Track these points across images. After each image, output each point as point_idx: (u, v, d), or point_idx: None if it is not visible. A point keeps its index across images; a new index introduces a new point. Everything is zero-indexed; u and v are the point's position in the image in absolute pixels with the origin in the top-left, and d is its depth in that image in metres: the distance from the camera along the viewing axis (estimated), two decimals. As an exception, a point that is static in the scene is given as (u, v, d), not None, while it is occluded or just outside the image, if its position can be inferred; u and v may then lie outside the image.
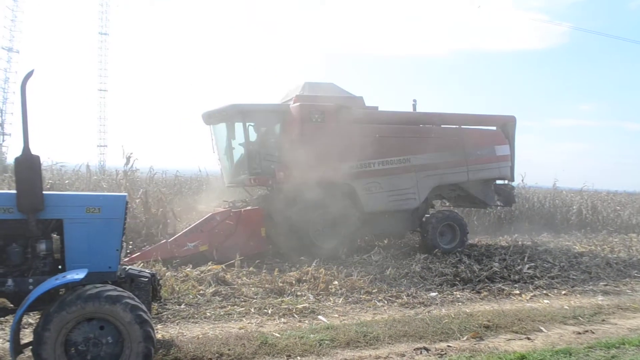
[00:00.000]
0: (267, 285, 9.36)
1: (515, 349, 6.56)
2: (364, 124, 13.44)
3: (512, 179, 16.25)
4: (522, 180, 23.59)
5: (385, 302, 9.03)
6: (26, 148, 5.09)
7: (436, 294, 9.65)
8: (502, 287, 10.29)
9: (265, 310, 8.13)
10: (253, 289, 9.26)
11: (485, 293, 9.89)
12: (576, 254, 14.44)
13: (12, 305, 5.49)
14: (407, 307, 8.78)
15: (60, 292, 5.12)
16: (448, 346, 6.65)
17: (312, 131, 12.82)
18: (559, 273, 11.67)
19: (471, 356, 6.27)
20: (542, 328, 7.55)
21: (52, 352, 4.59)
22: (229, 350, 6.15)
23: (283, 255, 12.39)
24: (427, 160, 14.22)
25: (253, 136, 13.28)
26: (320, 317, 7.98)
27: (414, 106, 15.26)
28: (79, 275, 4.75)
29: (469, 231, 15.09)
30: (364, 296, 9.24)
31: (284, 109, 13.44)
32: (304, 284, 9.70)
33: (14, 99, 45.99)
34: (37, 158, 5.17)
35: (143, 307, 4.90)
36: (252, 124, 13.19)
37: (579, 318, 8.18)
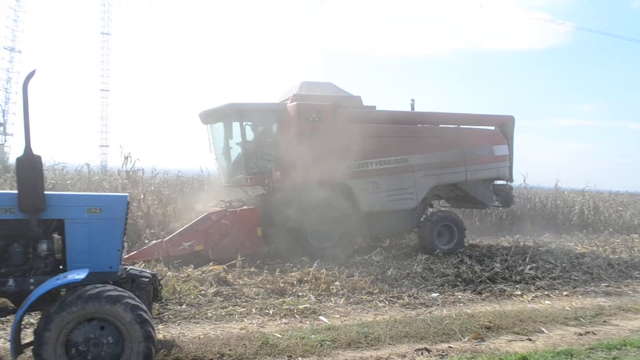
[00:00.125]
0: (268, 286, 9.36)
1: (517, 350, 6.55)
2: (361, 124, 13.36)
3: (511, 179, 16.17)
4: (524, 181, 23.57)
5: (387, 302, 9.03)
6: (28, 148, 5.10)
7: (437, 294, 9.64)
8: (504, 287, 10.28)
9: (267, 311, 8.13)
10: (254, 289, 9.25)
11: (486, 294, 9.87)
12: (578, 254, 14.40)
13: (13, 305, 5.50)
14: (408, 308, 8.77)
15: (62, 292, 5.13)
16: (449, 347, 6.64)
17: (308, 130, 12.77)
18: (561, 274, 11.65)
19: (472, 357, 6.27)
20: (543, 329, 7.54)
21: (52, 352, 4.59)
22: (230, 350, 6.15)
23: (280, 255, 12.38)
24: (425, 160, 14.16)
25: (250, 135, 13.25)
26: (321, 317, 7.97)
27: (412, 105, 15.22)
28: (80, 275, 4.75)
29: (466, 232, 15.04)
30: (365, 297, 9.24)
31: (281, 108, 13.41)
32: (305, 284, 9.70)
33: (16, 99, 46.03)
34: (39, 158, 5.18)
35: (143, 306, 4.90)
36: (250, 123, 13.17)
37: (581, 319, 8.17)
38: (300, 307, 8.33)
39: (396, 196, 13.81)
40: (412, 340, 6.83)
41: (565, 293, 10.19)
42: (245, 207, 12.93)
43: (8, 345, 5.08)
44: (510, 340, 7.01)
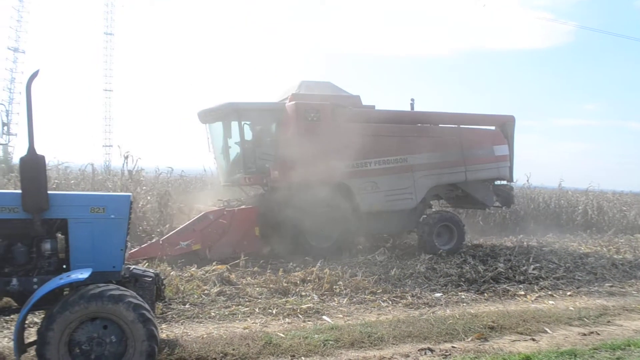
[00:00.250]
0: (271, 286, 9.36)
1: (520, 350, 6.54)
2: (360, 123, 13.30)
3: (511, 180, 16.07)
4: (528, 181, 23.53)
5: (390, 302, 9.02)
6: (31, 148, 5.11)
7: (441, 294, 9.63)
8: (507, 287, 10.26)
9: (270, 310, 8.13)
10: (257, 289, 9.26)
11: (490, 294, 9.86)
12: (582, 254, 14.37)
13: (16, 304, 5.51)
14: (411, 308, 8.76)
15: (65, 292, 5.14)
16: (452, 347, 6.63)
17: (307, 130, 12.73)
18: (564, 274, 11.62)
19: (476, 357, 6.26)
20: (547, 329, 7.53)
21: (56, 352, 4.60)
22: (234, 350, 6.15)
23: (279, 255, 12.36)
24: (425, 160, 14.10)
25: (249, 135, 13.23)
26: (324, 317, 7.97)
27: (412, 105, 15.17)
28: (83, 274, 4.76)
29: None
30: (368, 296, 9.23)
31: (279, 108, 13.38)
32: (309, 284, 9.69)
33: (19, 99, 46.13)
34: (42, 158, 5.19)
35: (146, 305, 4.91)
36: (248, 122, 13.16)
37: (584, 319, 8.15)
38: (304, 306, 8.33)
39: (395, 196, 13.76)
40: (416, 340, 6.83)
41: (569, 293, 10.17)
42: (243, 206, 12.90)
43: (12, 344, 5.09)
44: (514, 340, 7.00)
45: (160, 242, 11.36)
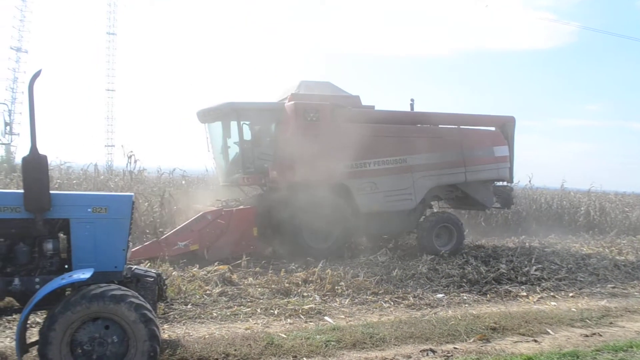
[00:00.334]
0: (273, 286, 9.35)
1: (522, 352, 6.53)
2: (360, 123, 13.24)
3: (511, 181, 16.04)
4: (530, 181, 23.50)
5: (392, 303, 9.01)
6: (34, 148, 5.11)
7: (443, 295, 9.62)
8: (509, 288, 10.25)
9: (272, 311, 8.12)
10: (259, 289, 9.25)
11: (492, 295, 9.85)
12: (584, 255, 14.35)
13: (18, 304, 5.52)
14: (413, 309, 8.75)
15: (67, 292, 5.14)
16: (454, 348, 6.62)
17: (306, 130, 12.68)
18: (567, 275, 11.61)
19: (478, 358, 6.25)
20: (549, 330, 7.52)
21: (57, 352, 4.60)
22: (235, 350, 6.15)
23: (278, 255, 12.35)
24: (424, 161, 14.04)
25: (247, 135, 13.20)
26: (326, 318, 7.97)
27: (412, 105, 15.14)
28: (85, 274, 4.76)
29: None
30: (370, 297, 9.22)
31: (278, 108, 13.36)
32: (311, 284, 9.68)
33: (22, 99, 46.14)
34: (45, 158, 5.19)
35: (147, 305, 4.91)
36: (247, 122, 13.13)
37: (587, 320, 8.14)
38: (305, 307, 8.32)
39: (394, 197, 13.71)
40: (417, 341, 6.82)
41: (571, 294, 10.16)
42: (241, 206, 12.87)
43: (14, 344, 5.09)
44: (516, 342, 6.99)
45: (158, 242, 11.34)
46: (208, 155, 14.67)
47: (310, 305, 8.42)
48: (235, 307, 8.28)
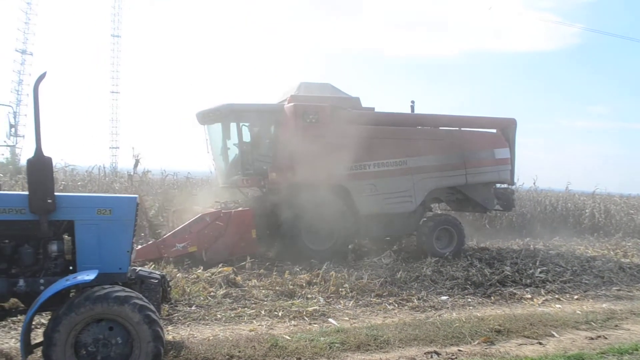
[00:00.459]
0: (277, 288, 9.36)
1: (527, 354, 6.51)
2: (360, 125, 13.18)
3: (512, 183, 15.98)
4: (534, 183, 23.46)
5: (396, 305, 9.00)
6: (38, 150, 5.13)
7: (447, 297, 9.61)
8: (514, 291, 10.23)
9: (276, 313, 8.12)
10: (263, 291, 9.26)
11: (496, 297, 9.83)
12: (589, 258, 14.32)
13: (23, 305, 5.53)
14: (417, 311, 8.74)
15: (72, 293, 5.15)
16: (459, 350, 6.61)
17: (305, 132, 12.64)
18: (571, 277, 11.58)
19: (482, 361, 6.24)
20: (554, 333, 7.49)
21: (62, 353, 4.61)
22: (240, 352, 6.15)
23: (275, 257, 12.33)
24: (424, 163, 13.99)
25: (247, 136, 13.18)
26: (330, 320, 7.96)
27: (412, 107, 15.10)
28: (89, 276, 4.77)
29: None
30: (374, 299, 9.22)
31: (278, 109, 13.33)
32: (315, 286, 9.68)
33: (27, 101, 46.32)
34: (49, 160, 5.20)
35: (151, 307, 4.91)
36: (247, 124, 13.11)
37: (592, 323, 8.11)
38: (310, 309, 8.31)
39: (394, 199, 13.66)
40: (422, 344, 6.81)
41: (576, 297, 10.13)
42: (240, 208, 12.82)
43: (19, 345, 5.11)
44: (521, 344, 6.97)
45: (156, 243, 11.31)
46: (208, 156, 14.67)
47: (315, 307, 8.42)
48: (240, 308, 8.28)
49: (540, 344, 7.01)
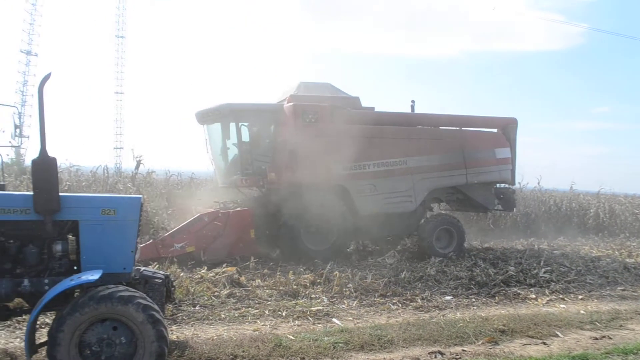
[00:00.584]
0: (281, 288, 9.36)
1: (531, 354, 6.50)
2: (359, 125, 13.18)
3: (513, 183, 15.94)
4: (539, 183, 23.40)
5: (400, 305, 8.99)
6: (43, 150, 5.15)
7: (451, 297, 9.60)
8: (518, 291, 10.21)
9: (280, 313, 8.13)
10: (267, 291, 9.27)
11: (500, 297, 9.81)
12: (593, 258, 14.29)
13: (28, 305, 5.55)
14: (421, 311, 8.73)
15: (76, 293, 5.16)
16: (463, 350, 6.60)
17: (305, 131, 12.61)
18: (576, 277, 11.55)
19: (486, 361, 6.23)
20: (558, 333, 7.47)
21: (66, 353, 4.62)
22: (243, 352, 6.16)
23: (275, 257, 12.32)
24: (425, 163, 13.96)
25: (246, 136, 13.17)
26: (334, 319, 7.96)
27: (412, 107, 15.07)
28: (93, 276, 4.78)
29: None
30: (378, 299, 9.21)
31: (277, 109, 13.33)
32: (318, 286, 9.69)
33: (32, 102, 46.39)
34: (54, 160, 5.22)
35: (155, 306, 4.92)
36: (246, 124, 13.11)
37: (596, 323, 8.08)
38: (313, 309, 8.32)
39: (394, 199, 13.62)
40: (426, 344, 6.80)
41: (580, 297, 10.10)
42: (238, 208, 12.81)
43: (23, 344, 5.12)
44: (525, 344, 6.95)
45: (155, 243, 11.29)
46: (207, 156, 14.67)
47: (318, 307, 8.43)
48: (243, 308, 8.29)
49: (544, 344, 6.99)
